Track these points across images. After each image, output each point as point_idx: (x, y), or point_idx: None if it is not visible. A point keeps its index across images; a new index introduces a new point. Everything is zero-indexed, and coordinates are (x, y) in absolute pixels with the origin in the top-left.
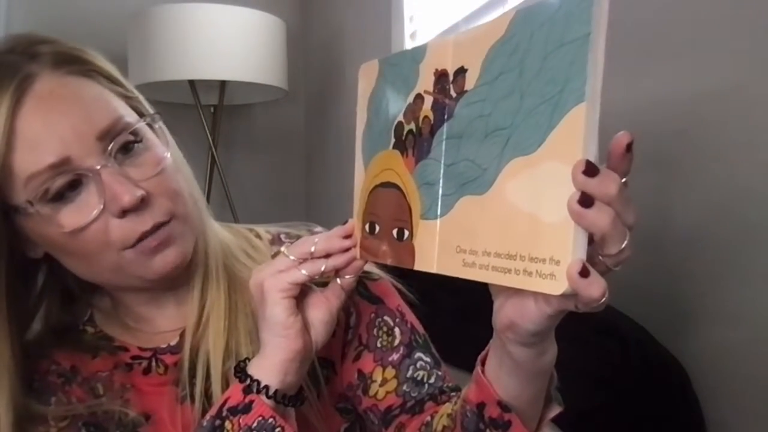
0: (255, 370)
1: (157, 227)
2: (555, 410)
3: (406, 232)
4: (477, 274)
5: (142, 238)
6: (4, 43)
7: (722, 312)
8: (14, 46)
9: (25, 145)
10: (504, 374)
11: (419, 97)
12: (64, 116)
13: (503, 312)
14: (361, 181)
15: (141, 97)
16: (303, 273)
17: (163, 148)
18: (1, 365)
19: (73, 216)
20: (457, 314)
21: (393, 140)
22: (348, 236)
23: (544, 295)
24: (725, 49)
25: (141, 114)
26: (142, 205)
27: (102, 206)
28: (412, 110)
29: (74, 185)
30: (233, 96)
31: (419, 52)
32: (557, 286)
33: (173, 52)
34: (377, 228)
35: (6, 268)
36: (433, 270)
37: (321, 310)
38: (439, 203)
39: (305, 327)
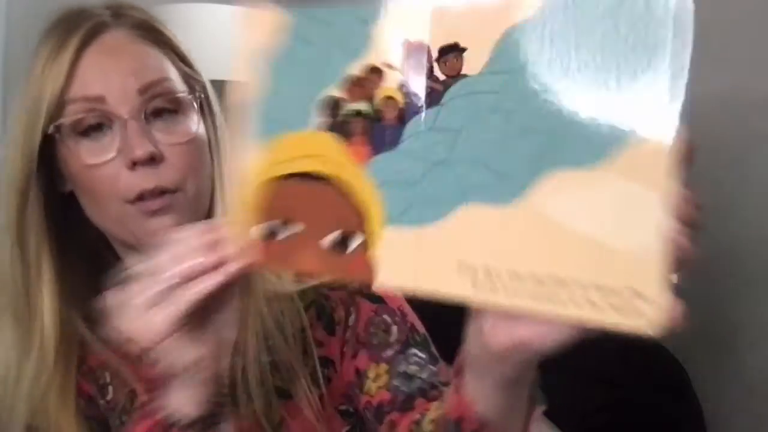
0: (174, 407)
1: (161, 192)
2: (538, 410)
3: (355, 242)
4: (503, 299)
5: (142, 195)
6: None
7: (723, 312)
8: (110, 4)
9: (77, 78)
10: (487, 388)
11: (375, 71)
12: (117, 64)
13: (507, 332)
14: (252, 165)
15: (206, 84)
16: (180, 307)
17: (202, 128)
18: (44, 282)
19: (90, 152)
20: (457, 314)
21: (320, 119)
22: (216, 242)
23: None
24: (725, 49)
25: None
26: (152, 163)
27: (116, 153)
28: (362, 85)
29: (101, 126)
30: None
31: (369, 13)
32: (646, 324)
33: None
34: (291, 231)
35: (44, 195)
36: (410, 287)
37: (220, 312)
38: (424, 207)
39: (212, 340)
